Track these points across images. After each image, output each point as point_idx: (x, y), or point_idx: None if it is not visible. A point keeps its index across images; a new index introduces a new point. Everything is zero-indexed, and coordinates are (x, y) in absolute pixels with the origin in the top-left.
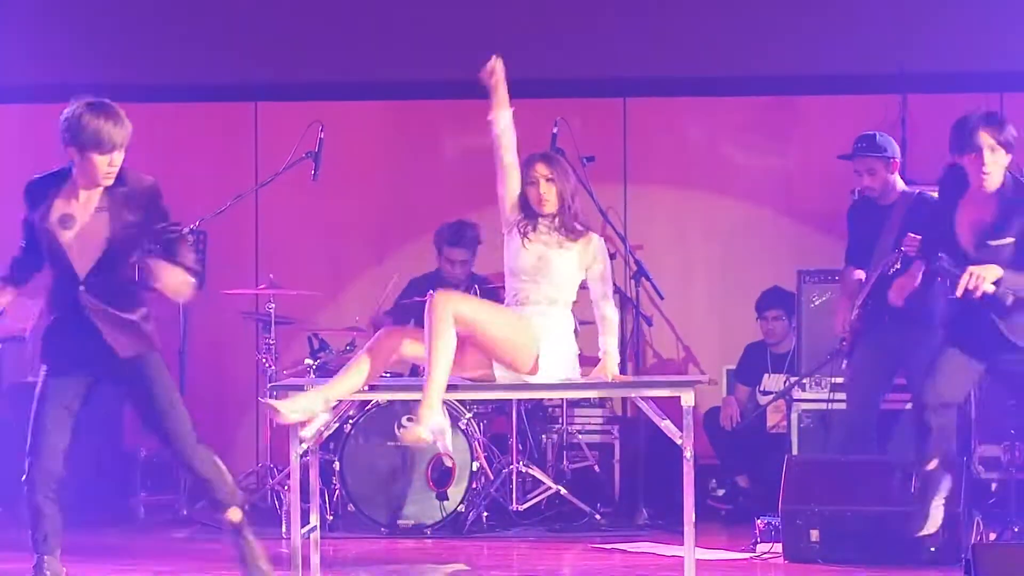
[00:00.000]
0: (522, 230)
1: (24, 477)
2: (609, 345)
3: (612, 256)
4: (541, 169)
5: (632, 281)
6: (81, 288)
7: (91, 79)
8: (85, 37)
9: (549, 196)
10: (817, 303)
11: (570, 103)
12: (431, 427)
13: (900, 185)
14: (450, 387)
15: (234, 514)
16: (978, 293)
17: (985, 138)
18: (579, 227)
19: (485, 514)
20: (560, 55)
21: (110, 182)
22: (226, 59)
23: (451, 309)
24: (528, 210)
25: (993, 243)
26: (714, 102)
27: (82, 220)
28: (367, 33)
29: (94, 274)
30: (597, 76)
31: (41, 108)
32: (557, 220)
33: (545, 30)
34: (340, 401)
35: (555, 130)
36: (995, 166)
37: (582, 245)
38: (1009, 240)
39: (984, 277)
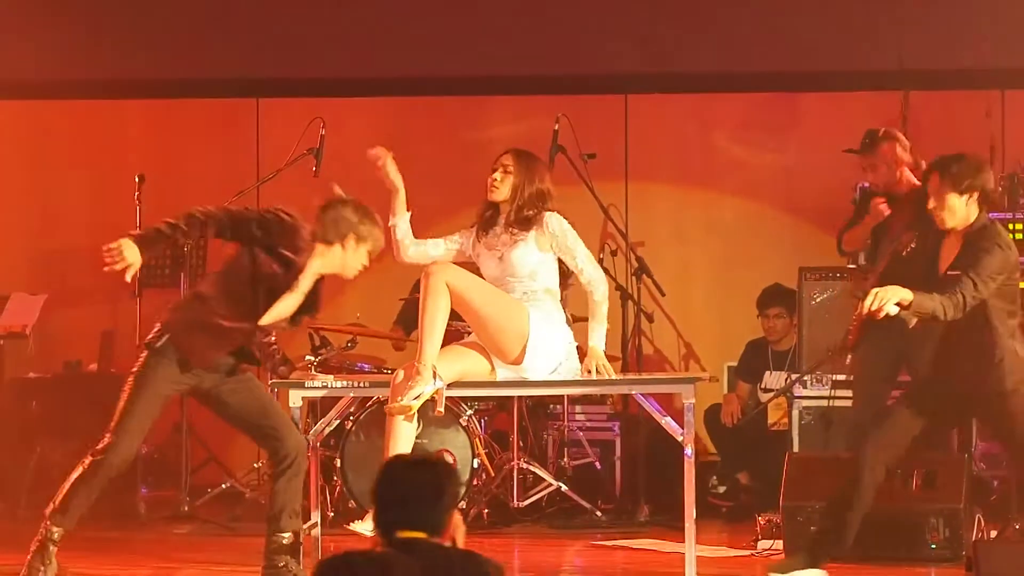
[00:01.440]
0: (479, 242)
1: (100, 450)
2: (592, 336)
3: (613, 253)
4: (504, 159)
5: (633, 278)
6: (259, 324)
7: (93, 75)
8: (87, 33)
9: (500, 185)
10: (818, 300)
11: (571, 100)
12: (416, 394)
13: (911, 179)
14: (451, 384)
15: (288, 538)
16: (880, 315)
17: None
18: (529, 214)
19: (486, 511)
20: (561, 52)
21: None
22: (228, 55)
23: (444, 279)
24: (481, 219)
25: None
26: (715, 99)
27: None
28: (369, 29)
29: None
30: (598, 73)
31: (44, 104)
32: (509, 216)
33: (547, 27)
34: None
35: (556, 127)
36: (944, 212)
37: (536, 230)
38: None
39: (887, 299)
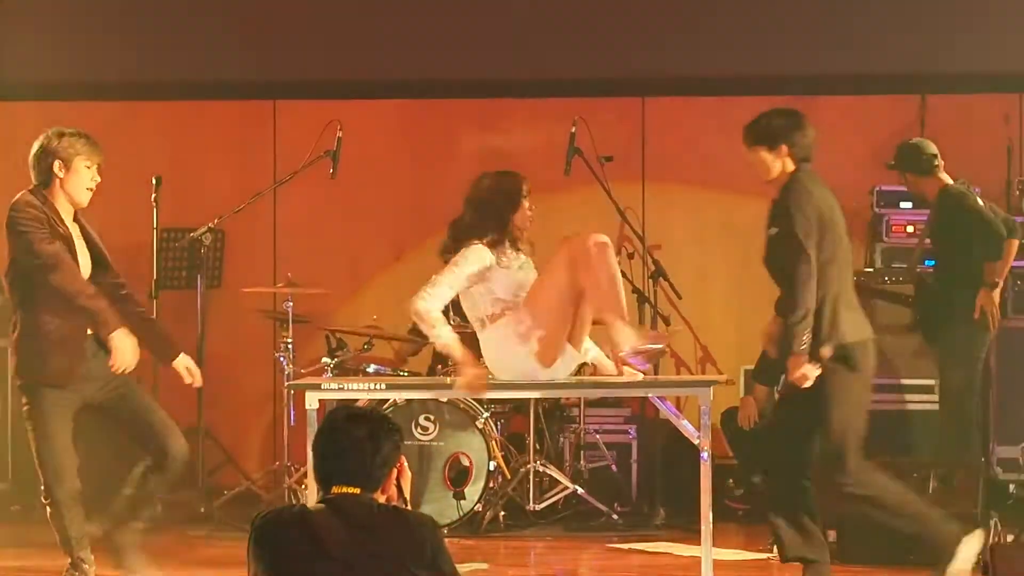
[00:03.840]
0: (499, 264)
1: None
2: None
3: (630, 256)
4: (528, 186)
5: (650, 281)
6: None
7: (109, 77)
8: (103, 35)
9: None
10: None
11: (589, 103)
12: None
13: (936, 185)
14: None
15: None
16: None
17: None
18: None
19: (502, 513)
20: (578, 55)
21: None
22: (245, 57)
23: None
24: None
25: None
26: (732, 102)
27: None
28: (386, 32)
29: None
30: (615, 76)
31: (60, 105)
32: (522, 239)
33: (563, 30)
34: None
35: (573, 130)
36: (758, 165)
37: None
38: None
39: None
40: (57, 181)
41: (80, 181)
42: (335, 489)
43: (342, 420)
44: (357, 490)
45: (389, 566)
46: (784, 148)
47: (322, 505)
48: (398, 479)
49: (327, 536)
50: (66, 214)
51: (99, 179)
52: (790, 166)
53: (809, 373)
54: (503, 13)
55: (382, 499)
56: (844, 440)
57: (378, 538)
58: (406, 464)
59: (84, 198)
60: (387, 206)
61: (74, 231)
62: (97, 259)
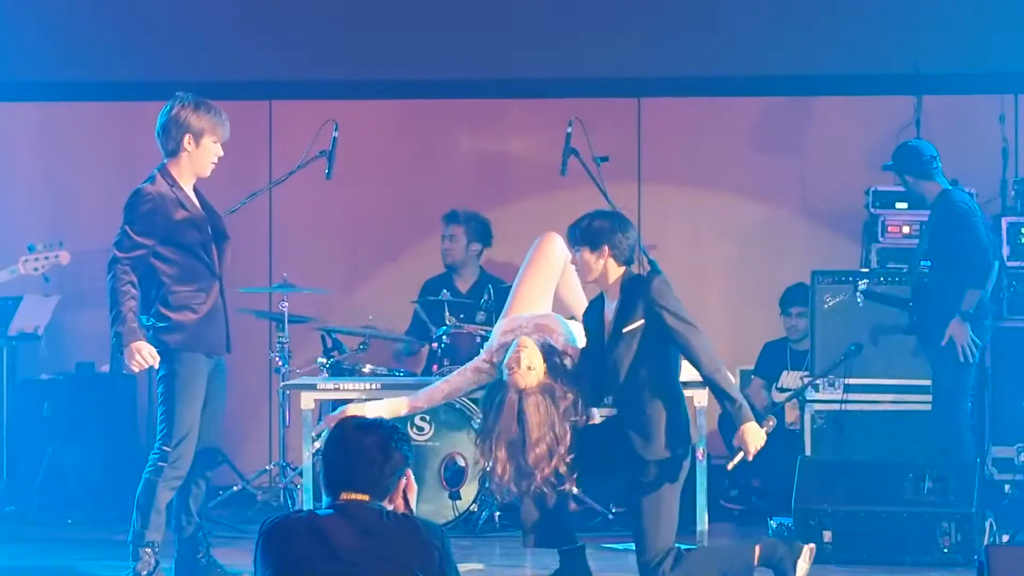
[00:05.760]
0: None
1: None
2: None
3: None
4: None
5: None
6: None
7: (105, 77)
8: (99, 36)
9: None
10: (831, 304)
11: (584, 103)
12: None
13: (935, 188)
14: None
15: None
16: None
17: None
18: None
19: (498, 514)
20: (575, 55)
21: None
22: (241, 57)
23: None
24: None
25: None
26: (729, 102)
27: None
28: (381, 32)
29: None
30: (611, 76)
31: (56, 106)
32: None
33: (559, 30)
34: None
35: (569, 130)
36: (583, 268)
37: None
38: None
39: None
40: (184, 154)
41: (206, 157)
42: (344, 495)
43: (352, 428)
44: (366, 497)
45: (397, 571)
46: (606, 249)
47: (331, 511)
48: (405, 491)
49: (336, 541)
50: (189, 189)
51: (222, 153)
52: (612, 267)
53: None
54: (499, 13)
55: (389, 508)
56: None
57: (387, 544)
58: (413, 478)
59: (208, 171)
60: (383, 206)
61: (199, 204)
62: (216, 229)
